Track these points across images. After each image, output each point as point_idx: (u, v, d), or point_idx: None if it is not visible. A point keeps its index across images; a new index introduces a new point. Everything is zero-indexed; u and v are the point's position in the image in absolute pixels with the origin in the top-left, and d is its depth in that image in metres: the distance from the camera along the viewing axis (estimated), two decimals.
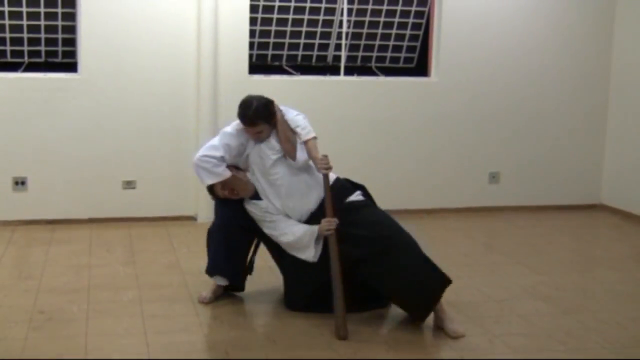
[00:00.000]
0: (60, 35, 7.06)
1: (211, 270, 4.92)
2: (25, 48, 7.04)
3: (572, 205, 8.17)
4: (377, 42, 7.85)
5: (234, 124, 4.78)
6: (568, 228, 7.44)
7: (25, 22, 6.97)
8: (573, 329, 4.57)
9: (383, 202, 7.45)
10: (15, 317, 4.55)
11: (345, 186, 4.79)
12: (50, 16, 7.02)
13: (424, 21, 7.85)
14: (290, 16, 7.57)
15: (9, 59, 7.06)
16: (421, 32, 7.90)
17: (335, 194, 4.63)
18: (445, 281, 4.50)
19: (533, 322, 4.67)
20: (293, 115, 4.74)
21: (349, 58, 7.81)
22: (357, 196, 4.78)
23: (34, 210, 6.97)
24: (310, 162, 4.70)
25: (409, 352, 4.17)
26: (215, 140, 4.72)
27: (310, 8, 7.59)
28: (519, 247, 6.66)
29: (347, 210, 4.62)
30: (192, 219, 7.19)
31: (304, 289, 4.71)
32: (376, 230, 4.52)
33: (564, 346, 4.30)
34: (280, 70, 7.71)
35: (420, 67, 7.98)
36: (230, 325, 4.56)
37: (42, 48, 7.08)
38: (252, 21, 7.35)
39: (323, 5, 7.60)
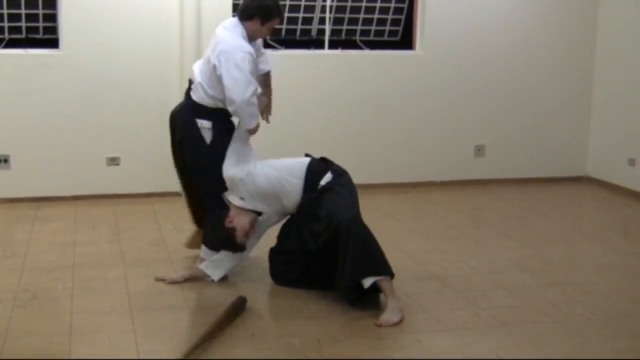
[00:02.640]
0: (41, 11, 6.97)
1: None
2: (6, 24, 6.96)
3: (558, 178, 8.19)
4: (362, 16, 7.80)
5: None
6: (554, 201, 7.45)
7: None
8: (559, 301, 4.59)
9: (368, 176, 7.53)
10: (0, 296, 4.53)
11: (318, 171, 4.66)
12: None
13: None
14: None
15: None
16: (405, 5, 7.85)
17: (310, 180, 4.60)
18: (374, 272, 4.29)
19: (519, 295, 4.68)
20: None
21: (333, 32, 7.76)
22: (326, 179, 4.63)
23: (17, 188, 6.92)
24: None
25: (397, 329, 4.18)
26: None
27: None
28: (505, 220, 6.67)
29: (314, 200, 4.56)
30: (177, 195, 7.13)
31: (291, 266, 4.75)
32: (331, 220, 4.40)
33: (550, 318, 4.31)
34: (264, 45, 7.60)
35: (405, 41, 7.94)
36: (216, 301, 4.54)
37: (23, 24, 6.99)
38: None
39: None
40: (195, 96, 4.80)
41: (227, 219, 4.62)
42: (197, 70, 4.85)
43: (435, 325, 4.21)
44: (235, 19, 4.85)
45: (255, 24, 4.81)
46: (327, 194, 4.54)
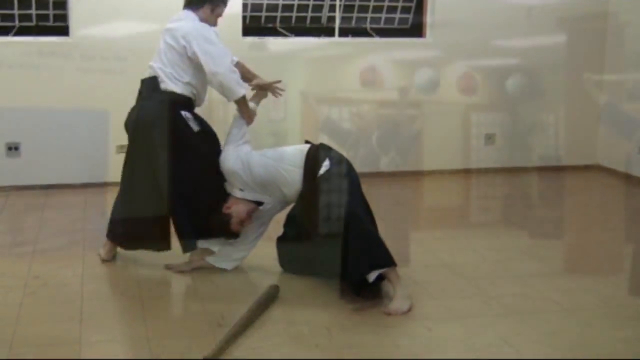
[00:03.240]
0: None
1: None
2: (16, 11, 6.95)
3: (568, 166, 8.16)
4: (372, 3, 7.77)
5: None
6: (564, 189, 7.43)
7: None
8: (568, 289, 4.57)
9: (378, 164, 7.51)
10: (10, 283, 4.54)
11: (317, 158, 4.58)
12: None
13: None
14: None
15: None
16: None
17: (309, 168, 4.54)
18: (377, 266, 4.27)
19: (528, 283, 4.67)
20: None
21: (343, 19, 7.73)
22: (325, 167, 4.52)
23: (27, 176, 6.94)
24: None
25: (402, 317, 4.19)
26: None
27: None
28: (514, 208, 6.66)
29: (313, 190, 4.50)
30: None
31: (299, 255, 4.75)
32: (330, 214, 4.40)
33: (559, 306, 4.30)
34: (274, 32, 7.63)
35: (415, 29, 7.91)
36: (226, 288, 4.55)
37: (33, 11, 6.99)
38: None
39: None
40: (173, 88, 4.71)
41: (225, 205, 4.62)
42: (160, 64, 4.75)
43: (445, 313, 4.20)
44: (185, 10, 4.82)
45: (206, 11, 4.78)
46: (326, 185, 4.48)
